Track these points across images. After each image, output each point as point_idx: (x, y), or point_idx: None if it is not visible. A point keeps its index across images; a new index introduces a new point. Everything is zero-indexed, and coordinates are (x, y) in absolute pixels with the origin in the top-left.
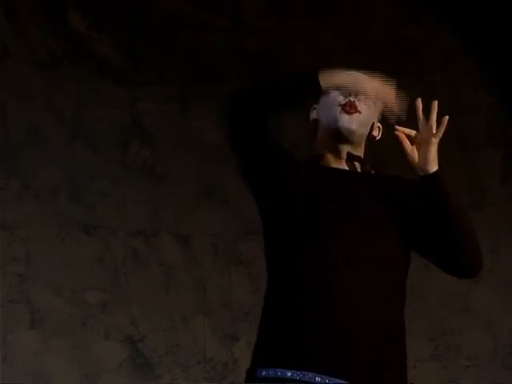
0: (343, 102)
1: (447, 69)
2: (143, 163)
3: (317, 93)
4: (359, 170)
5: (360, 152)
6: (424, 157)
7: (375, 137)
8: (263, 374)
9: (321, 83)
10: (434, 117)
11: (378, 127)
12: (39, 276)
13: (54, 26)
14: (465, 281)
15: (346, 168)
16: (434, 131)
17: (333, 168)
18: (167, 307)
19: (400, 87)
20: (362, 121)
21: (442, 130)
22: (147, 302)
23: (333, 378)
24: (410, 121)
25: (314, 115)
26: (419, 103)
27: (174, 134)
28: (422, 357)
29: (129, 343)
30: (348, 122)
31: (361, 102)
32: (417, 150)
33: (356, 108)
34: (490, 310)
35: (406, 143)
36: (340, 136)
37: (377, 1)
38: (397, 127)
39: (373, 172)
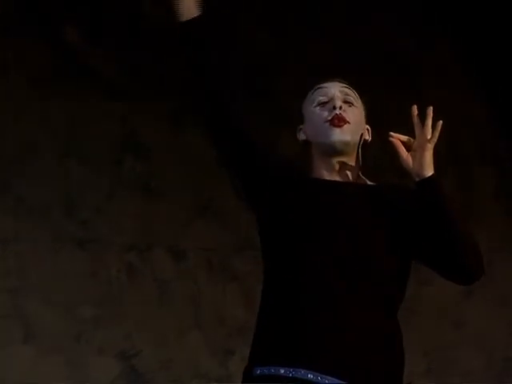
0: (330, 118)
1: (442, 86)
2: (138, 178)
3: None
4: (351, 178)
5: (352, 160)
6: (419, 162)
7: (367, 140)
8: (258, 372)
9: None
10: (429, 122)
11: (367, 129)
12: (32, 291)
13: (49, 40)
14: (458, 295)
15: (341, 180)
16: (429, 136)
17: (328, 180)
18: (161, 322)
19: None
20: (352, 129)
21: (437, 134)
22: (141, 317)
23: (326, 376)
24: (406, 128)
25: (302, 136)
26: (415, 109)
27: (169, 149)
28: (417, 372)
29: (122, 358)
30: (340, 134)
31: (346, 111)
32: (412, 156)
33: (345, 120)
34: (484, 325)
35: (402, 149)
36: (335, 150)
37: (375, 15)
38: (392, 134)
39: (368, 182)
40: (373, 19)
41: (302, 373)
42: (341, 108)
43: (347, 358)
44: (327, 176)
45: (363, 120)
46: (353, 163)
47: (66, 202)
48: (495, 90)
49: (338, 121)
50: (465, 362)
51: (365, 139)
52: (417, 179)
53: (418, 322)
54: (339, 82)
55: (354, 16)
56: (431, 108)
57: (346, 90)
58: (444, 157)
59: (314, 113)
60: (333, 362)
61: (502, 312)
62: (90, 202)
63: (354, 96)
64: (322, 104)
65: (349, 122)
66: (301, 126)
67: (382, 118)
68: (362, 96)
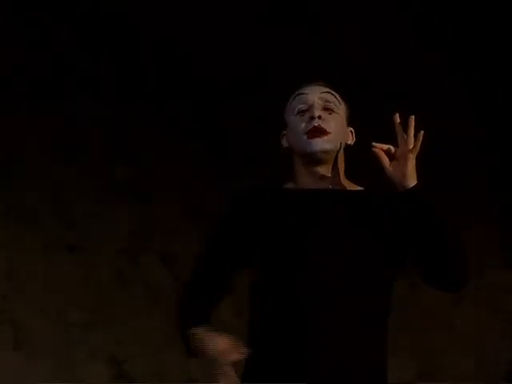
0: (307, 130)
1: (431, 98)
2: (129, 182)
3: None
4: (335, 184)
5: (335, 166)
6: (402, 172)
7: (351, 144)
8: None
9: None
10: (411, 132)
11: (351, 131)
12: (23, 296)
13: (40, 43)
14: (449, 301)
15: (325, 187)
16: (411, 146)
17: (313, 189)
18: (152, 327)
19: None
20: (332, 139)
21: (419, 144)
22: (132, 322)
23: None
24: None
25: (285, 143)
26: (397, 118)
27: (160, 154)
28: (406, 377)
29: (113, 364)
30: (320, 144)
31: (326, 119)
32: (395, 165)
33: (323, 130)
34: (474, 330)
35: (385, 159)
36: (316, 159)
37: (375, 15)
38: (374, 144)
39: (355, 187)
40: (372, 19)
41: None
42: (320, 117)
43: (347, 358)
44: (311, 184)
45: (345, 125)
46: (335, 169)
47: (57, 207)
48: (485, 102)
49: (318, 132)
50: (455, 366)
51: (347, 143)
52: (401, 189)
53: (408, 327)
54: (320, 86)
55: (353, 16)
56: (413, 117)
57: (327, 95)
58: (436, 167)
59: (294, 122)
60: (333, 362)
61: (491, 317)
62: (81, 207)
63: (334, 101)
64: (302, 113)
65: (329, 132)
66: (284, 132)
67: (380, 118)
68: (344, 99)
